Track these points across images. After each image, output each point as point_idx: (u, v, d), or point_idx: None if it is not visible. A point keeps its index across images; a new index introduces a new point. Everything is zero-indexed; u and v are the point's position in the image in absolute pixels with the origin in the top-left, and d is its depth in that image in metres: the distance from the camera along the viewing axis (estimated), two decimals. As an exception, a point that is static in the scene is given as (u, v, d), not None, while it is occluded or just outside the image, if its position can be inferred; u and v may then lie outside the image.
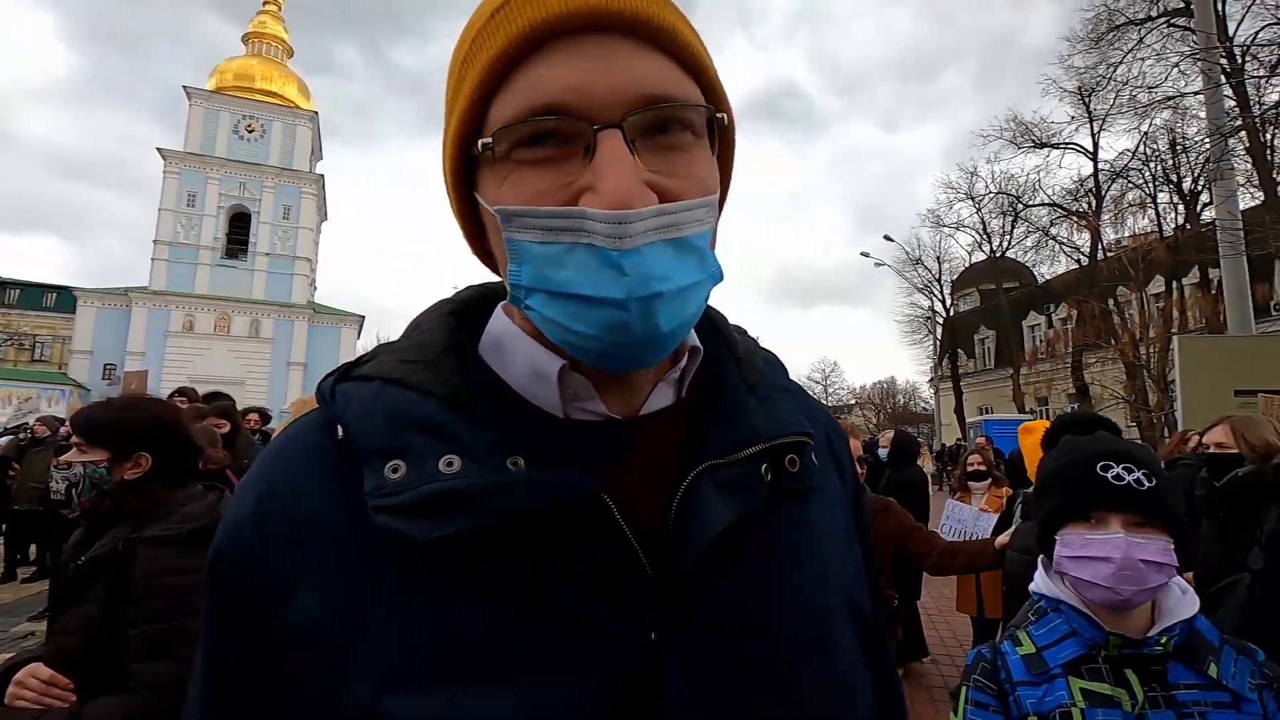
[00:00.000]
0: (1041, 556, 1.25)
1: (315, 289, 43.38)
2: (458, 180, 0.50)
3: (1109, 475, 1.16)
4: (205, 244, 38.18)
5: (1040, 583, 1.23)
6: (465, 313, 0.58)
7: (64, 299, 39.71)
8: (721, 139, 0.52)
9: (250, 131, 39.71)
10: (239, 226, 39.60)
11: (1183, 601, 1.14)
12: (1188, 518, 1.90)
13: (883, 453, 6.07)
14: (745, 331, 0.67)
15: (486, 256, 0.55)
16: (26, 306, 39.91)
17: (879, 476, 5.73)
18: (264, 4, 43.21)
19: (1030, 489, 2.99)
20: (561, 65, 0.43)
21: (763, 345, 0.67)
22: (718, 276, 0.49)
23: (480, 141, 0.46)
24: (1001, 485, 4.82)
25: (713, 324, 0.62)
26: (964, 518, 4.62)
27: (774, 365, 0.64)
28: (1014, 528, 2.99)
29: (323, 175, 42.02)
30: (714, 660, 0.47)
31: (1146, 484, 1.14)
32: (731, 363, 0.59)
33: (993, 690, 1.16)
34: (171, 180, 38.15)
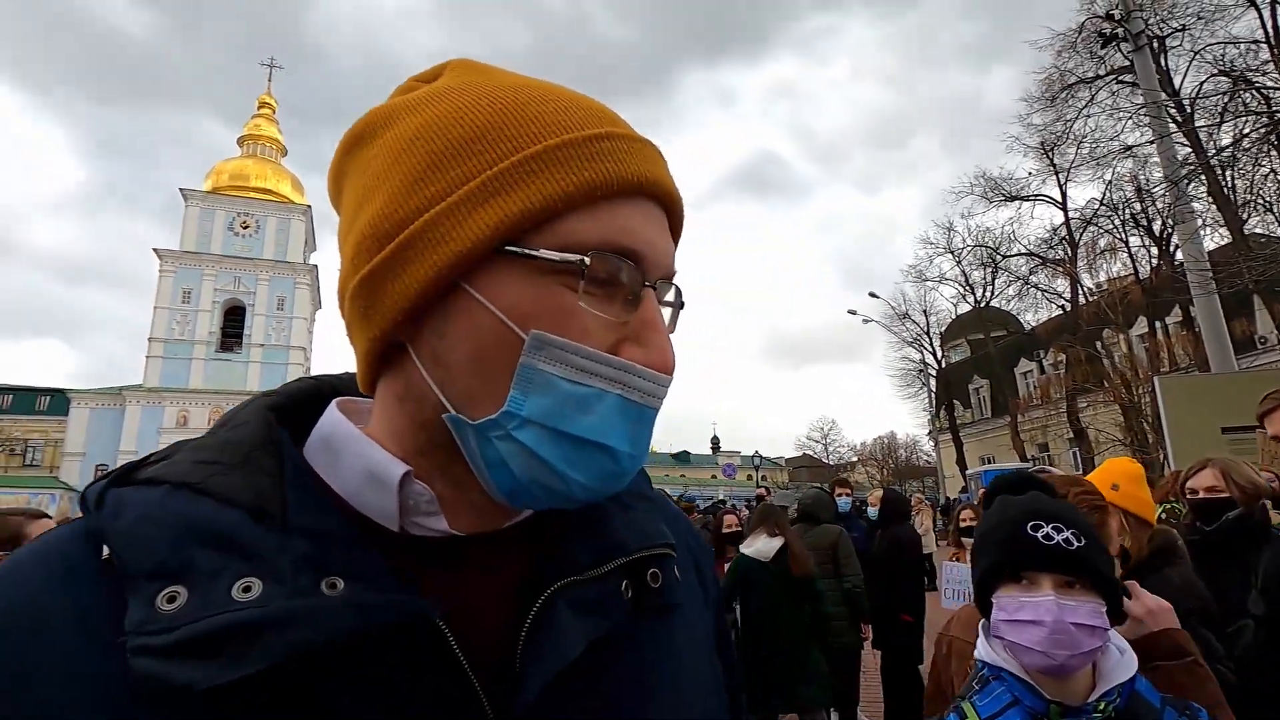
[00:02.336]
0: (982, 621, 1.24)
1: (310, 377, 43.51)
2: (453, 262, 0.43)
3: (1038, 535, 1.16)
4: (200, 339, 38.52)
5: (982, 649, 1.21)
6: (292, 407, 0.52)
7: (57, 402, 39.58)
8: None
9: (245, 228, 40.74)
10: (234, 320, 40.06)
11: (1121, 663, 1.12)
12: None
13: (873, 512, 5.99)
14: None
15: (379, 343, 0.46)
16: (20, 412, 39.77)
17: (871, 537, 5.63)
18: (258, 108, 45.24)
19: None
20: (641, 220, 0.46)
21: None
22: None
23: (580, 257, 0.43)
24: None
25: None
26: (964, 579, 4.50)
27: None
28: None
29: (316, 265, 42.86)
30: None
31: (1075, 543, 1.14)
32: None
33: (941, 769, 1.12)
34: (167, 279, 38.84)
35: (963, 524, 4.94)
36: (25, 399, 40.69)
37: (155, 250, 39.07)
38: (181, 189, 40.26)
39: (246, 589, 0.38)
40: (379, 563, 0.42)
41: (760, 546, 3.85)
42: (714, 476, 47.16)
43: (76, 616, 0.39)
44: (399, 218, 0.44)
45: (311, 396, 0.54)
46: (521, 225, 0.42)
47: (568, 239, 0.43)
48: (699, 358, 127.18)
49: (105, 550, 0.40)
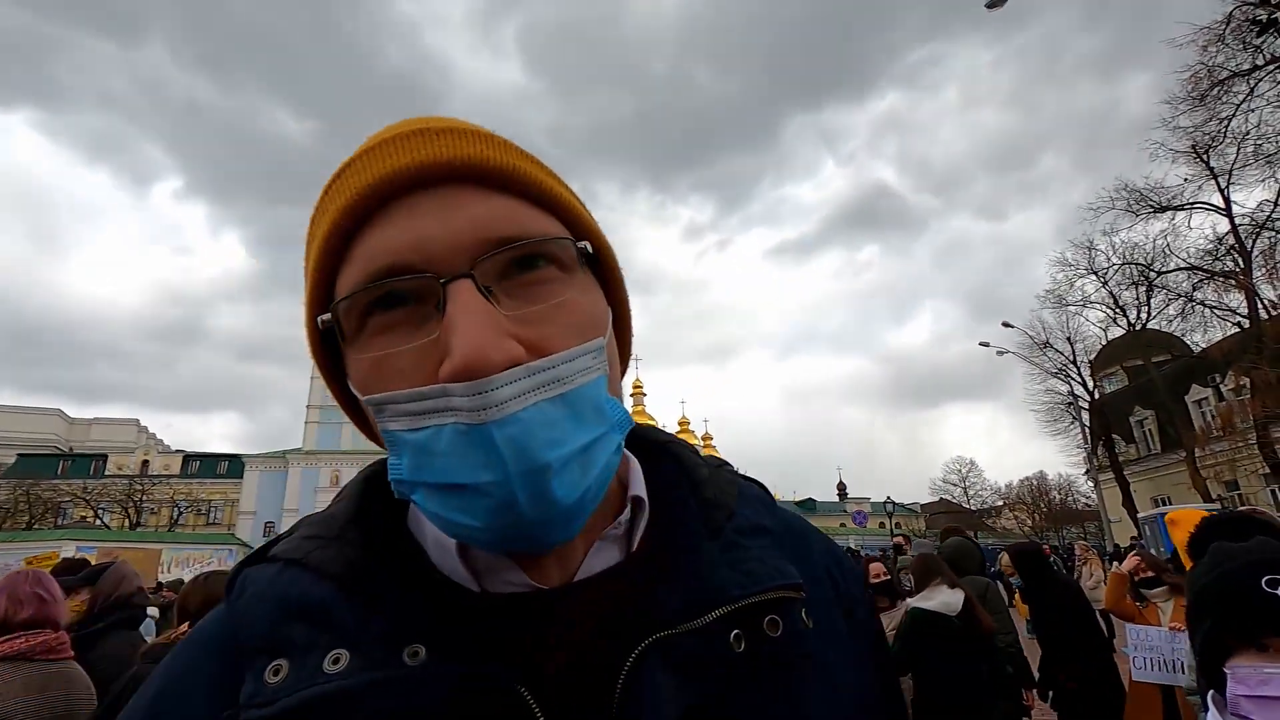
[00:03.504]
0: (1212, 694, 1.07)
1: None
2: (328, 369, 0.47)
3: (1279, 591, 1.00)
4: (349, 404, 42.25)
5: (1217, 728, 1.04)
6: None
7: (234, 466, 44.70)
8: (603, 266, 0.49)
9: (385, 301, 44.72)
10: (377, 385, 43.68)
11: None
12: None
13: (1016, 581, 5.21)
14: (723, 463, 0.58)
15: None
16: (205, 475, 45.16)
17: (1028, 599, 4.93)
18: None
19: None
20: (399, 224, 0.41)
21: (746, 475, 0.58)
22: (624, 424, 0.43)
23: (319, 319, 0.43)
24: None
25: (676, 460, 0.55)
26: (1155, 644, 3.85)
27: (753, 500, 0.55)
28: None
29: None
30: None
31: (1329, 601, 0.97)
32: (693, 505, 0.51)
33: None
34: (321, 351, 43.13)
35: (1138, 576, 4.27)
36: (209, 464, 46.25)
37: (311, 326, 43.66)
38: (332, 270, 44.99)
39: (336, 660, 0.39)
40: (460, 629, 0.41)
41: (946, 599, 3.48)
42: (842, 525, 44.83)
43: (211, 689, 0.42)
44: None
45: None
46: (315, 311, 0.44)
47: (340, 298, 0.42)
48: (820, 403, 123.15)
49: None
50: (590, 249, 0.46)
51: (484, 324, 0.38)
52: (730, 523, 0.50)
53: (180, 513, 41.27)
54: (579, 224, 0.47)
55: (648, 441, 0.57)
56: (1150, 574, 4.19)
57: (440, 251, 0.40)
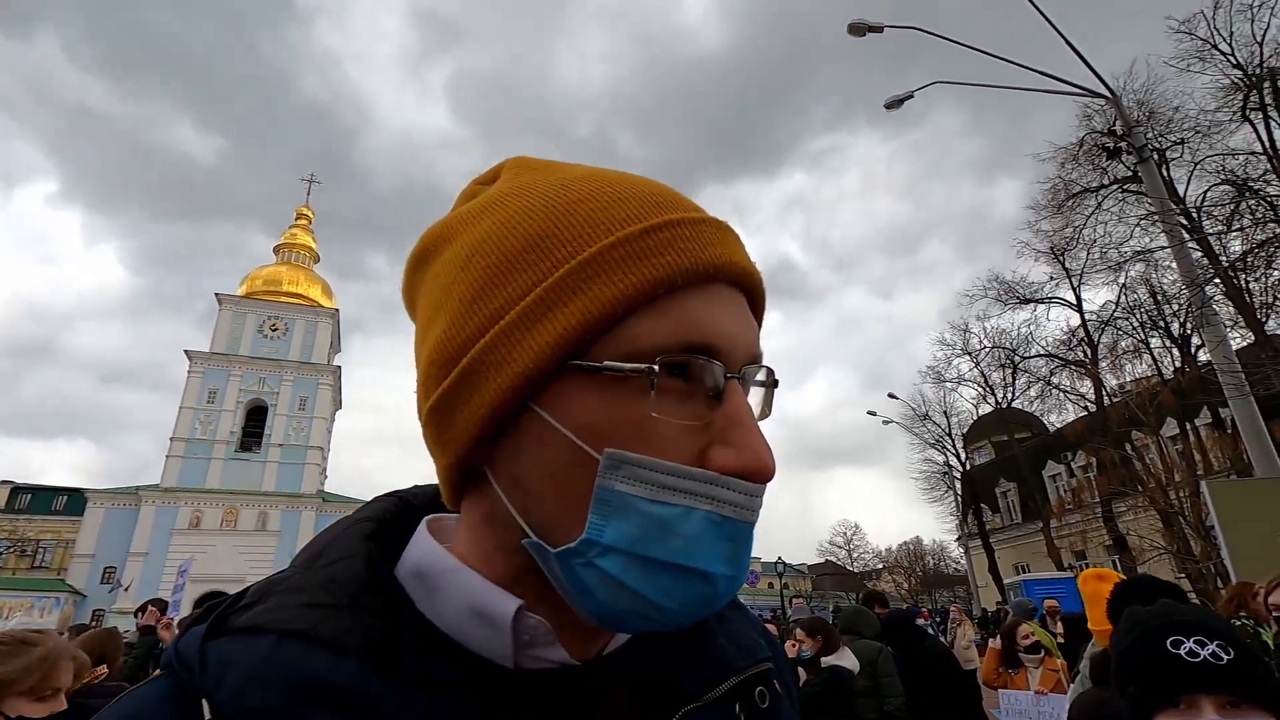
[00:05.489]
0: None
1: (326, 477, 43.26)
2: (515, 385, 0.41)
3: (1182, 651, 1.10)
4: (221, 438, 38.85)
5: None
6: (382, 533, 0.48)
7: (73, 502, 39.45)
8: None
9: (274, 330, 42.06)
10: (255, 420, 40.55)
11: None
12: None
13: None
14: None
15: (456, 469, 0.45)
16: (36, 511, 39.58)
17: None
18: (296, 219, 47.95)
19: (1093, 645, 2.76)
20: (715, 309, 0.42)
21: None
22: None
23: (648, 365, 0.39)
24: (1054, 656, 4.42)
25: None
26: (1024, 708, 4.11)
27: None
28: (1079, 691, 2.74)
29: (339, 367, 43.74)
30: None
31: (1225, 656, 1.08)
32: None
33: None
34: (195, 379, 39.73)
35: (1024, 641, 4.55)
36: (42, 499, 40.61)
37: (186, 352, 40.23)
38: (217, 294, 42.05)
39: None
40: (505, 711, 0.40)
41: (852, 659, 3.80)
42: (734, 584, 45.20)
43: None
44: (460, 341, 0.42)
45: (398, 516, 0.51)
46: (583, 337, 0.39)
47: (634, 344, 0.39)
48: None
49: (206, 711, 0.37)
50: (777, 385, 0.49)
51: (761, 434, 0.41)
52: None
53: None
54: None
55: None
56: (1034, 640, 4.49)
57: (735, 348, 0.42)
